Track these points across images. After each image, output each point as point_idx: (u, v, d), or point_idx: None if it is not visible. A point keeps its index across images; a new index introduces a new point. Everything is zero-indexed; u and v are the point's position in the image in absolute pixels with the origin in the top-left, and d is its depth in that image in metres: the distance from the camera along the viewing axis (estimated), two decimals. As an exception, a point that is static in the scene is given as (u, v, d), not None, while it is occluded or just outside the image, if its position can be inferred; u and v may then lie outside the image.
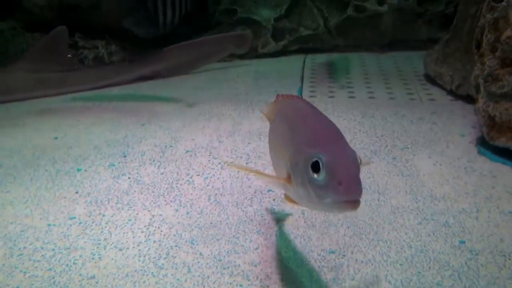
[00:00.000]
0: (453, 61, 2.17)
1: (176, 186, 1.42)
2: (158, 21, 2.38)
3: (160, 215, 1.28)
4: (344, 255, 1.10)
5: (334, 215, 1.23)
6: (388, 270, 1.05)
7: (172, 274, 1.05)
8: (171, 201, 1.35)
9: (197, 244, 1.15)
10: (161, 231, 1.21)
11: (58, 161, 1.60)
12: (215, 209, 1.30)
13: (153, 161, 1.58)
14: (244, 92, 2.28)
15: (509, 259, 1.08)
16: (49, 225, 1.24)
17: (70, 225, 1.24)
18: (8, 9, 2.63)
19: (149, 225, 1.24)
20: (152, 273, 1.06)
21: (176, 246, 1.15)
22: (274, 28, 2.84)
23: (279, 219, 1.26)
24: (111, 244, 1.16)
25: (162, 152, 1.65)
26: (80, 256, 1.12)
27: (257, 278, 1.04)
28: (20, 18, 2.64)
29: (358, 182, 0.73)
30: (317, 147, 0.76)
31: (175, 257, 1.11)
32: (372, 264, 1.07)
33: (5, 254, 1.12)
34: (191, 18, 2.58)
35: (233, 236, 1.19)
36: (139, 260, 1.10)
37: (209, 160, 1.58)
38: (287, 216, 1.27)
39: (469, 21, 2.10)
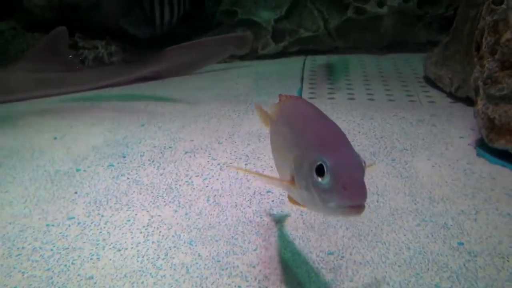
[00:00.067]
0: (453, 64, 2.17)
1: (175, 187, 1.42)
2: (155, 21, 2.38)
3: (159, 215, 1.28)
4: (342, 257, 1.10)
5: (333, 217, 1.23)
6: (386, 272, 1.05)
7: (170, 275, 1.05)
8: (170, 202, 1.35)
9: (196, 245, 1.15)
10: (160, 231, 1.21)
11: (57, 161, 1.60)
12: (214, 210, 1.30)
13: (152, 161, 1.58)
14: (244, 93, 2.28)
15: (508, 261, 1.08)
16: (47, 225, 1.24)
17: (69, 226, 1.24)
18: (8, 9, 2.63)
19: (147, 225, 1.24)
20: (151, 273, 1.06)
21: (174, 247, 1.15)
22: (274, 30, 2.85)
23: (278, 220, 1.26)
24: (109, 245, 1.16)
25: (161, 153, 1.65)
26: (79, 256, 1.11)
27: (256, 279, 1.04)
28: (20, 18, 2.64)
29: (362, 187, 0.72)
30: (321, 150, 0.76)
31: (173, 257, 1.11)
32: (370, 266, 1.07)
33: (4, 254, 1.12)
34: (189, 19, 2.58)
35: (232, 237, 1.18)
36: (138, 261, 1.10)
37: (208, 161, 1.58)
38: (286, 217, 1.27)
39: (469, 23, 2.11)
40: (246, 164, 1.56)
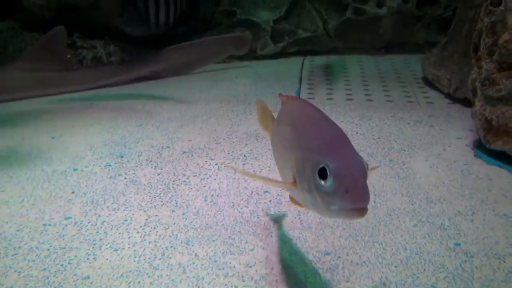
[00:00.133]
0: (451, 65, 2.18)
1: (173, 187, 1.42)
2: (149, 21, 2.38)
3: (156, 215, 1.28)
4: (339, 257, 1.10)
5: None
6: (383, 272, 1.05)
7: (167, 275, 1.05)
8: (167, 201, 1.35)
9: (193, 245, 1.15)
10: (157, 231, 1.21)
11: (54, 160, 1.60)
12: (211, 210, 1.30)
13: (150, 161, 1.58)
14: (243, 93, 2.28)
15: (504, 261, 1.08)
16: (44, 225, 1.24)
17: (66, 225, 1.24)
18: (7, 9, 2.63)
19: (144, 225, 1.24)
20: (147, 273, 1.06)
21: (171, 246, 1.15)
22: (273, 30, 2.85)
23: (275, 220, 1.26)
24: (106, 245, 1.16)
25: (159, 152, 1.65)
26: (75, 256, 1.11)
27: (252, 279, 1.04)
28: (19, 17, 2.64)
29: (365, 190, 0.72)
30: (324, 153, 0.75)
31: (170, 257, 1.11)
32: (367, 266, 1.07)
33: (0, 253, 1.12)
34: (186, 19, 2.58)
35: (229, 237, 1.18)
36: (134, 261, 1.10)
37: (206, 161, 1.58)
38: (283, 218, 1.27)
39: (467, 24, 2.11)
40: (243, 164, 1.56)
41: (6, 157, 1.62)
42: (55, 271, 1.06)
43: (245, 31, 2.76)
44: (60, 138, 1.79)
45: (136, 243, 1.16)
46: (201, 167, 1.54)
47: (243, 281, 1.03)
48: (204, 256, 1.11)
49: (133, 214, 1.28)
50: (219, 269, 1.07)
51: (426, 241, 1.16)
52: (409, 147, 1.66)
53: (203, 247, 1.14)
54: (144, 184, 1.44)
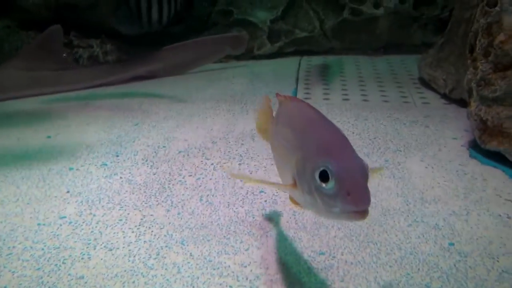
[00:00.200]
0: (447, 65, 2.18)
1: (168, 187, 1.42)
2: (142, 20, 2.37)
3: (151, 215, 1.28)
4: (334, 257, 1.11)
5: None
6: (377, 272, 1.06)
7: (161, 275, 1.05)
8: (162, 201, 1.35)
9: (188, 245, 1.15)
10: (152, 231, 1.21)
11: (50, 160, 1.59)
12: (207, 210, 1.30)
13: (146, 161, 1.58)
14: (239, 93, 2.28)
15: (498, 261, 1.08)
16: (39, 224, 1.24)
17: (60, 225, 1.23)
18: (3, 8, 2.62)
19: (139, 225, 1.23)
20: (142, 273, 1.05)
21: (166, 246, 1.15)
22: (270, 30, 2.85)
23: (270, 220, 1.26)
24: (101, 244, 1.15)
25: (155, 152, 1.65)
26: (70, 256, 1.11)
27: (247, 279, 1.04)
28: (16, 16, 2.63)
29: (366, 192, 0.72)
30: (325, 155, 0.75)
31: (165, 257, 1.11)
32: (361, 266, 1.08)
33: (-6, 253, 1.12)
34: (180, 18, 2.58)
35: (224, 237, 1.18)
36: (129, 260, 1.10)
37: (201, 161, 1.58)
38: (278, 217, 1.27)
39: (463, 25, 2.11)
40: (239, 164, 1.56)
41: (2, 156, 1.62)
42: (49, 271, 1.06)
43: (242, 31, 2.76)
44: (56, 137, 1.78)
45: (131, 242, 1.16)
46: (197, 166, 1.54)
47: (238, 281, 1.03)
48: (199, 255, 1.11)
49: (128, 214, 1.28)
50: (214, 269, 1.07)
51: (421, 241, 1.16)
52: (404, 147, 1.66)
53: (198, 247, 1.14)
54: (140, 184, 1.44)
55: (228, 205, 1.32)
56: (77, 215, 1.27)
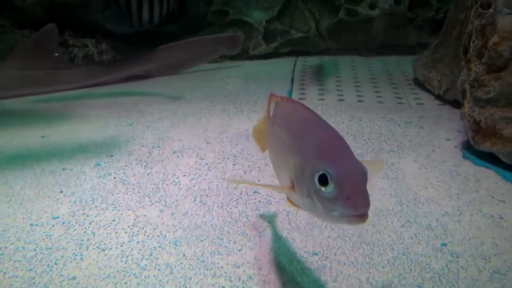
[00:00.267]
0: (442, 66, 2.19)
1: (162, 187, 1.42)
2: (132, 19, 2.36)
3: (145, 215, 1.28)
4: (327, 257, 1.11)
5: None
6: (370, 272, 1.06)
7: (154, 275, 1.05)
8: (156, 201, 1.34)
9: (181, 245, 1.15)
10: (145, 231, 1.21)
11: (43, 159, 1.58)
12: (200, 210, 1.30)
13: (140, 161, 1.58)
14: (234, 93, 2.28)
15: (489, 261, 1.09)
16: (31, 224, 1.23)
17: (53, 225, 1.23)
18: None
19: (133, 225, 1.23)
20: (134, 274, 1.05)
21: (159, 247, 1.15)
22: (266, 30, 2.85)
23: (264, 220, 1.26)
24: (93, 245, 1.15)
25: (149, 152, 1.64)
26: (62, 256, 1.11)
27: (240, 279, 1.04)
28: (10, 15, 2.62)
29: (366, 196, 0.72)
30: (324, 159, 0.75)
31: (158, 258, 1.11)
32: (354, 266, 1.08)
33: (-14, 253, 1.11)
34: (174, 18, 2.57)
35: (217, 237, 1.18)
36: (122, 261, 1.09)
37: (196, 161, 1.58)
38: (272, 218, 1.27)
39: (458, 27, 2.12)
40: (234, 164, 1.56)
41: (-6, 156, 1.61)
42: (41, 272, 1.05)
43: (238, 31, 2.76)
44: (49, 137, 1.78)
45: (124, 243, 1.16)
46: (191, 167, 1.54)
47: (231, 281, 1.03)
48: (192, 256, 1.11)
49: (122, 214, 1.28)
50: (207, 269, 1.07)
51: (413, 242, 1.16)
52: (398, 148, 1.67)
53: (191, 247, 1.14)
54: (133, 184, 1.43)
55: (222, 205, 1.32)
56: (70, 216, 1.27)
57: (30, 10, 2.58)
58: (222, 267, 1.08)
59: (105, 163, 1.56)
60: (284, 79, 2.51)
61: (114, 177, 1.47)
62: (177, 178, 1.47)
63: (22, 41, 2.50)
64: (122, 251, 1.13)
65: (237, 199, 1.35)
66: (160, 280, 1.03)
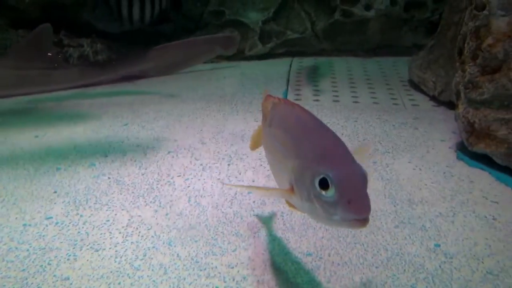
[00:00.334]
0: (437, 68, 2.20)
1: (157, 187, 1.42)
2: (122, 18, 2.35)
3: (139, 216, 1.27)
4: (321, 258, 1.11)
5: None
6: (364, 273, 1.06)
7: (148, 276, 1.05)
8: (150, 202, 1.34)
9: (175, 246, 1.15)
10: (139, 232, 1.20)
11: (37, 159, 1.58)
12: (195, 211, 1.30)
13: (135, 161, 1.57)
14: (230, 93, 2.28)
15: (482, 262, 1.09)
16: (24, 225, 1.22)
17: (47, 225, 1.22)
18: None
19: (127, 226, 1.23)
20: (128, 274, 1.05)
21: (153, 247, 1.14)
22: (262, 31, 2.85)
23: (258, 221, 1.26)
24: (87, 245, 1.15)
25: (144, 152, 1.64)
26: (55, 256, 1.10)
27: (234, 280, 1.04)
28: (5, 14, 2.60)
29: (367, 200, 0.72)
30: (325, 163, 0.74)
31: (152, 258, 1.10)
32: (348, 267, 1.08)
33: (-22, 253, 1.10)
34: (167, 17, 2.56)
35: (212, 238, 1.18)
36: (115, 261, 1.09)
37: (190, 161, 1.57)
38: (266, 219, 1.27)
39: (453, 28, 2.13)
40: (229, 165, 1.56)
41: (-12, 156, 1.60)
42: (34, 272, 1.05)
43: (234, 31, 2.76)
44: (44, 137, 1.77)
45: (118, 243, 1.16)
46: (186, 167, 1.54)
47: (225, 281, 1.03)
48: (186, 256, 1.11)
49: (116, 214, 1.27)
50: (201, 270, 1.06)
51: (407, 242, 1.17)
52: (393, 149, 1.67)
53: (185, 248, 1.14)
54: (128, 184, 1.43)
55: (217, 206, 1.32)
56: (64, 216, 1.26)
57: (25, 9, 2.57)
58: (216, 267, 1.07)
59: (99, 163, 1.55)
60: (280, 80, 2.51)
61: (109, 177, 1.46)
62: (171, 178, 1.47)
63: (17, 41, 2.48)
64: (116, 251, 1.12)
65: (231, 199, 1.35)
66: (154, 281, 1.03)
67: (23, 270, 1.05)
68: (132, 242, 1.16)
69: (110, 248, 1.14)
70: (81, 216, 1.27)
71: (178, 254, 1.12)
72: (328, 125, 1.96)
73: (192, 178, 1.47)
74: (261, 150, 1.08)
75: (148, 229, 1.21)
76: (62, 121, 1.91)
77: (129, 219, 1.26)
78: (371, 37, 2.94)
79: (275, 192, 0.89)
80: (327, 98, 2.25)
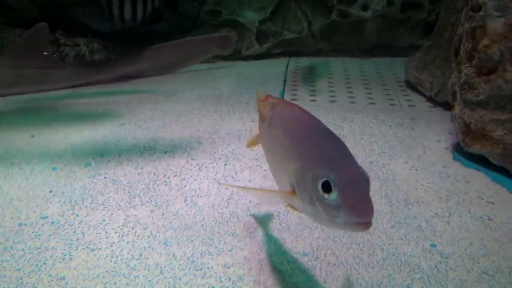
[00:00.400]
0: (433, 68, 2.21)
1: (153, 187, 1.41)
2: (113, 17, 2.35)
3: (135, 215, 1.27)
4: (317, 258, 1.11)
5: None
6: (360, 273, 1.06)
7: (144, 276, 1.04)
8: (146, 201, 1.34)
9: (171, 246, 1.15)
10: (135, 232, 1.20)
11: (33, 159, 1.57)
12: (191, 211, 1.30)
13: (131, 161, 1.57)
14: (226, 93, 2.28)
15: (478, 262, 1.10)
16: (20, 224, 1.22)
17: (42, 225, 1.22)
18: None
19: (123, 225, 1.22)
20: (124, 274, 1.05)
21: (149, 247, 1.14)
22: (259, 31, 2.85)
23: (254, 221, 1.26)
24: (83, 245, 1.14)
25: (140, 152, 1.64)
26: (51, 256, 1.10)
27: (230, 280, 1.04)
28: (3, 14, 2.59)
29: (370, 203, 0.72)
30: (327, 165, 0.74)
31: (148, 258, 1.10)
32: (344, 267, 1.08)
33: (-27, 253, 1.10)
34: (160, 16, 2.55)
35: (208, 237, 1.18)
36: (111, 261, 1.09)
37: (187, 161, 1.57)
38: (262, 219, 1.27)
39: (449, 29, 2.14)
40: (225, 165, 1.56)
41: (-17, 155, 1.59)
42: (30, 272, 1.04)
43: (231, 31, 2.76)
44: (40, 137, 1.76)
45: (114, 243, 1.15)
46: (182, 167, 1.53)
47: (221, 281, 1.03)
48: (182, 256, 1.11)
49: (112, 214, 1.27)
50: (197, 270, 1.06)
51: (403, 242, 1.17)
52: (389, 149, 1.68)
53: (181, 248, 1.14)
54: (124, 184, 1.42)
55: (213, 205, 1.32)
56: (60, 215, 1.26)
57: (23, 8, 2.56)
58: (212, 267, 1.07)
59: (95, 163, 1.55)
60: (277, 80, 2.51)
61: (105, 177, 1.46)
62: (168, 178, 1.47)
63: (14, 40, 2.47)
64: (111, 251, 1.12)
65: (228, 199, 1.35)
66: (149, 281, 1.03)
67: (18, 269, 1.05)
68: (128, 242, 1.16)
69: (106, 248, 1.13)
70: (77, 215, 1.26)
71: (174, 254, 1.11)
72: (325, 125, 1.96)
73: (188, 178, 1.47)
74: (258, 150, 1.08)
75: (144, 229, 1.21)
76: (58, 121, 1.91)
77: (125, 219, 1.25)
78: (368, 37, 2.94)
79: (275, 195, 0.88)
80: (323, 98, 2.26)
